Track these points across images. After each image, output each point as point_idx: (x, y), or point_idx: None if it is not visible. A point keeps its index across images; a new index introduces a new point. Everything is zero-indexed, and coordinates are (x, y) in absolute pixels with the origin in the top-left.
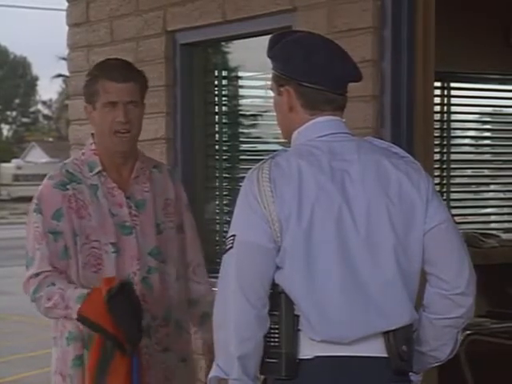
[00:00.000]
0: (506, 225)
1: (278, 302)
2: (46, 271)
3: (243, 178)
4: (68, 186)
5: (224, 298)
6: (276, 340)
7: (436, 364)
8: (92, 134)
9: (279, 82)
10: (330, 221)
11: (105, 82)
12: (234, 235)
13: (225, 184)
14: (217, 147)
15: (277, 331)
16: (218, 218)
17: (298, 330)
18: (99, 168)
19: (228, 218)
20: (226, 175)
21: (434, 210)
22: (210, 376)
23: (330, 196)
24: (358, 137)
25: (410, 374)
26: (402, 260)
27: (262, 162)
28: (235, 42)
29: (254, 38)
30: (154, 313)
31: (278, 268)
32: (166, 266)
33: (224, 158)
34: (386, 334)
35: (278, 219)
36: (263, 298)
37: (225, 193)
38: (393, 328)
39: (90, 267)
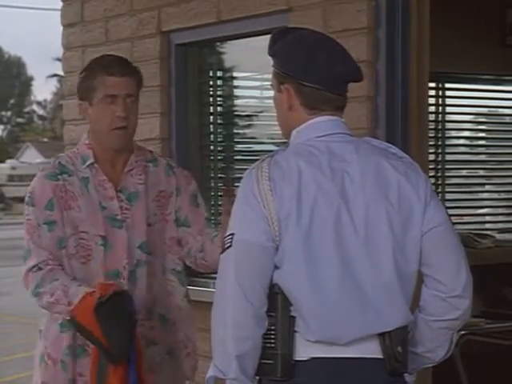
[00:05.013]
0: (501, 225)
1: (275, 302)
2: (44, 261)
3: (239, 178)
4: (59, 177)
5: (222, 296)
6: (272, 341)
7: (430, 365)
8: (88, 132)
9: (279, 79)
10: (329, 221)
11: (104, 76)
12: (232, 234)
13: (220, 184)
14: (212, 147)
15: (273, 332)
16: (212, 218)
17: (294, 331)
18: (91, 160)
19: None
20: (222, 176)
21: (432, 212)
22: (207, 376)
23: (329, 196)
24: (356, 137)
25: (404, 374)
26: (399, 261)
27: (260, 160)
28: (230, 42)
29: (249, 39)
30: (138, 307)
31: (275, 267)
32: (153, 258)
33: (219, 158)
34: (381, 335)
35: (277, 218)
36: (262, 296)
37: (220, 193)
38: (389, 329)
39: (78, 258)
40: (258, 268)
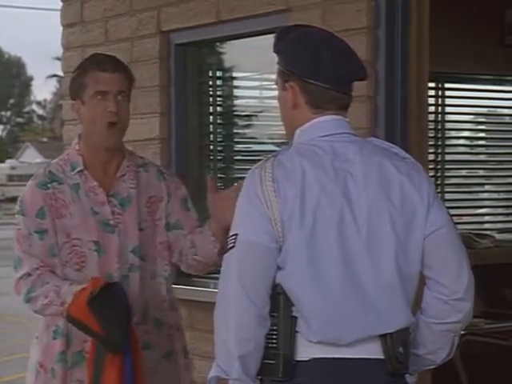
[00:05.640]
0: (500, 225)
1: (277, 303)
2: (36, 268)
3: (238, 178)
4: (49, 185)
5: (225, 297)
6: (274, 341)
7: (431, 367)
8: (79, 136)
9: (284, 77)
10: (332, 222)
11: (95, 72)
12: (235, 234)
13: (219, 184)
14: (211, 147)
15: (275, 332)
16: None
17: (296, 331)
18: (80, 167)
19: None
20: (221, 175)
21: (435, 214)
22: (209, 376)
23: (332, 197)
24: (359, 137)
25: (406, 374)
26: (401, 263)
27: (263, 160)
28: (229, 42)
29: (249, 39)
30: (133, 311)
31: (278, 268)
32: (145, 263)
33: (218, 158)
34: (383, 336)
35: (280, 219)
36: (264, 297)
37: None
38: (390, 331)
39: (72, 265)
40: (262, 269)
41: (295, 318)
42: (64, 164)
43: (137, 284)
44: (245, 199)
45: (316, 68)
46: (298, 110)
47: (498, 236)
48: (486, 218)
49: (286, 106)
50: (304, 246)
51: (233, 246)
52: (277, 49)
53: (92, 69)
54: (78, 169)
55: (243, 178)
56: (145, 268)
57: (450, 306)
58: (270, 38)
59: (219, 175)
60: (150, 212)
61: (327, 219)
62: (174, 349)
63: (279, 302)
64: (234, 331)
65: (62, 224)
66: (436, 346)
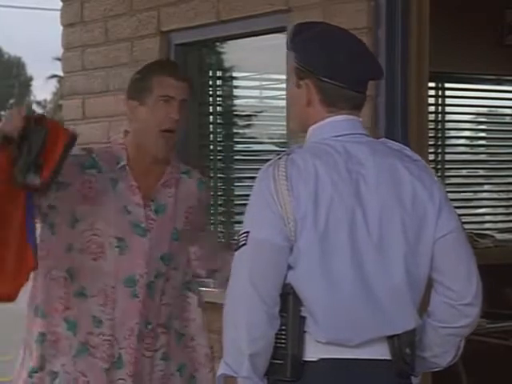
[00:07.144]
0: (501, 225)
1: (286, 303)
2: None
3: (238, 178)
4: (87, 171)
5: (235, 295)
6: (282, 341)
7: (436, 369)
8: (125, 132)
9: (299, 74)
10: (344, 223)
11: (163, 77)
12: (247, 232)
13: (219, 184)
14: (211, 147)
15: (283, 332)
16: (212, 218)
17: (305, 331)
18: (124, 162)
19: (223, 219)
20: (221, 175)
21: (445, 218)
22: (217, 374)
23: (344, 198)
24: (372, 138)
25: (411, 376)
26: (410, 265)
27: (276, 158)
28: (230, 42)
29: (249, 39)
30: (151, 319)
31: (289, 267)
32: (176, 272)
33: (218, 158)
34: (390, 337)
35: (293, 218)
36: (275, 296)
37: (219, 193)
38: (398, 332)
39: (89, 254)
40: (273, 267)
41: (304, 318)
42: (109, 156)
43: (160, 292)
44: (257, 196)
45: (332, 67)
46: (311, 107)
47: (498, 236)
48: (486, 218)
49: (300, 103)
50: (316, 246)
51: (244, 244)
52: (292, 46)
53: (159, 73)
54: (122, 163)
55: (243, 178)
56: (177, 278)
57: (458, 310)
58: (269, 38)
59: (219, 175)
60: (187, 222)
61: (339, 220)
62: (192, 362)
63: (288, 302)
64: (244, 329)
65: (89, 211)
66: (442, 349)
